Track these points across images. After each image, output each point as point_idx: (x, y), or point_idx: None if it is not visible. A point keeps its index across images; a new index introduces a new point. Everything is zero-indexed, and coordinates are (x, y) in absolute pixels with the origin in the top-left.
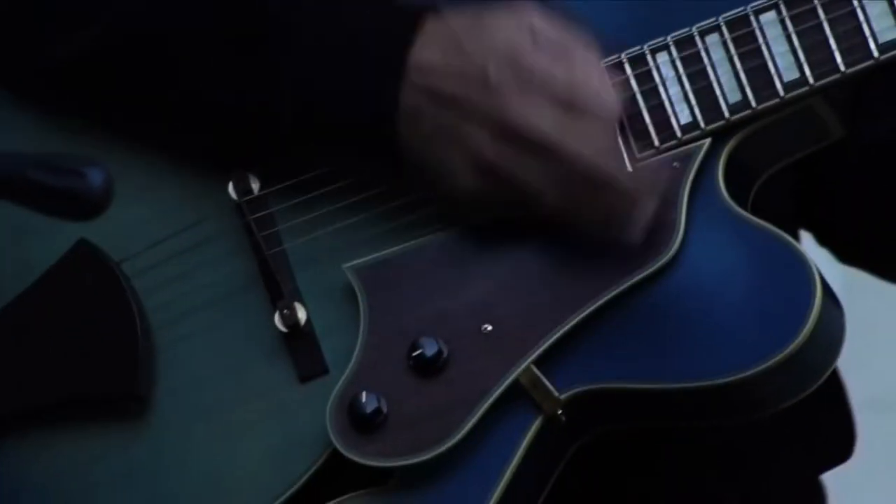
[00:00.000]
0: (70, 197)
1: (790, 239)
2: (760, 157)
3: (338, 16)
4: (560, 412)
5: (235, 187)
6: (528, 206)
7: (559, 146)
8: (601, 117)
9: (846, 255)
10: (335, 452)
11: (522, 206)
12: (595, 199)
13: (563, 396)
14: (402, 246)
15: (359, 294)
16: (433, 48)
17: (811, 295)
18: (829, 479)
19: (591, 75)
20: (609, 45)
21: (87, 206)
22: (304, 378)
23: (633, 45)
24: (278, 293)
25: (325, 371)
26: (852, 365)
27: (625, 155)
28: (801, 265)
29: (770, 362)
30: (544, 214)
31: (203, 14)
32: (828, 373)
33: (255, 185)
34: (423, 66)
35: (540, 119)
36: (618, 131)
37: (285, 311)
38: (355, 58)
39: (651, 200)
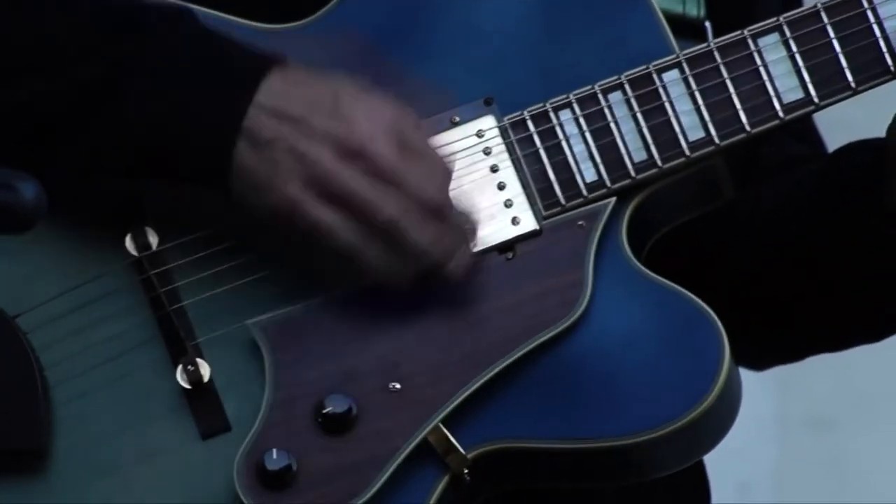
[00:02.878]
0: (2, 210)
1: (697, 300)
2: (659, 215)
3: (205, 39)
4: (466, 471)
5: (134, 241)
6: (353, 228)
7: (400, 172)
8: (438, 165)
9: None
10: None
11: (343, 230)
12: (426, 227)
13: (469, 455)
14: (305, 303)
15: (263, 350)
16: (284, 81)
17: (719, 357)
18: (770, 497)
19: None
20: (510, 100)
21: (20, 219)
22: (206, 435)
23: (535, 99)
24: (181, 349)
25: (228, 428)
26: (789, 384)
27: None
28: (708, 325)
29: (677, 424)
30: (374, 238)
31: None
32: (726, 434)
33: (154, 240)
34: (272, 90)
35: (384, 145)
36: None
37: (189, 367)
38: (209, 77)
39: (470, 244)
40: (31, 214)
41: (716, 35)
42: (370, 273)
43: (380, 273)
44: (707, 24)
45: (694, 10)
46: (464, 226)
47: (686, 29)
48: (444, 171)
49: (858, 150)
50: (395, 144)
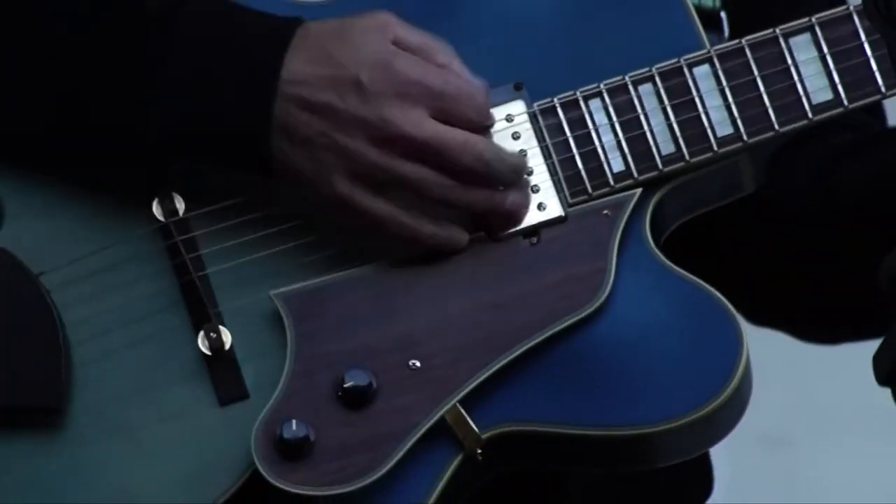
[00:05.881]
0: None
1: (718, 294)
2: (680, 208)
3: (212, 35)
4: (479, 451)
5: (161, 207)
6: (405, 213)
7: (439, 146)
8: (474, 116)
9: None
10: (251, 478)
11: (398, 216)
12: (476, 192)
13: (484, 435)
14: (330, 276)
15: (286, 321)
16: (303, 59)
17: (738, 352)
18: None
19: (459, 76)
20: (541, 87)
21: None
22: (224, 402)
23: (566, 87)
24: (204, 316)
25: (246, 396)
26: None
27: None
28: (726, 319)
29: (693, 416)
30: (430, 215)
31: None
32: (734, 427)
33: (181, 206)
34: (293, 77)
35: (419, 121)
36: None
37: (211, 333)
38: (226, 74)
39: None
40: None
41: (730, 25)
42: (433, 248)
43: (444, 247)
44: (723, 14)
45: (710, 0)
46: (515, 166)
47: (702, 19)
48: (481, 116)
49: None
50: (427, 115)
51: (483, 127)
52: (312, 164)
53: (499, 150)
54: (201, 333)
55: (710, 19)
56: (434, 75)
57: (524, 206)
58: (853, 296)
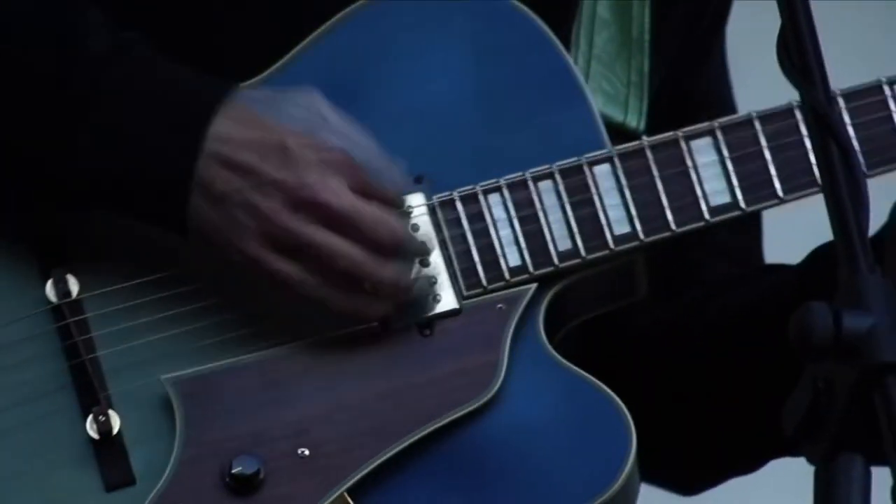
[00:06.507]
0: None
1: (609, 391)
2: (575, 306)
3: (144, 89)
4: None
5: (54, 287)
6: (314, 278)
7: (353, 215)
8: (391, 194)
9: None
10: None
11: (307, 280)
12: (385, 267)
13: None
14: (222, 362)
15: (175, 406)
16: (230, 120)
17: (626, 449)
18: None
19: (379, 162)
20: (442, 180)
21: None
22: (110, 487)
23: (467, 181)
24: (93, 399)
25: (133, 482)
26: None
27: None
28: (617, 418)
29: None
30: (338, 284)
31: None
32: None
33: (75, 288)
34: (218, 135)
35: (335, 191)
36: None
37: (100, 417)
38: (153, 126)
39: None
40: None
41: None
42: (341, 316)
43: (350, 315)
44: (644, 138)
45: (634, 122)
46: (425, 247)
47: (623, 139)
48: (397, 204)
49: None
50: (347, 187)
51: (398, 206)
52: (226, 222)
53: (410, 231)
54: (90, 417)
55: (629, 140)
56: (358, 149)
57: (427, 295)
58: (723, 429)
